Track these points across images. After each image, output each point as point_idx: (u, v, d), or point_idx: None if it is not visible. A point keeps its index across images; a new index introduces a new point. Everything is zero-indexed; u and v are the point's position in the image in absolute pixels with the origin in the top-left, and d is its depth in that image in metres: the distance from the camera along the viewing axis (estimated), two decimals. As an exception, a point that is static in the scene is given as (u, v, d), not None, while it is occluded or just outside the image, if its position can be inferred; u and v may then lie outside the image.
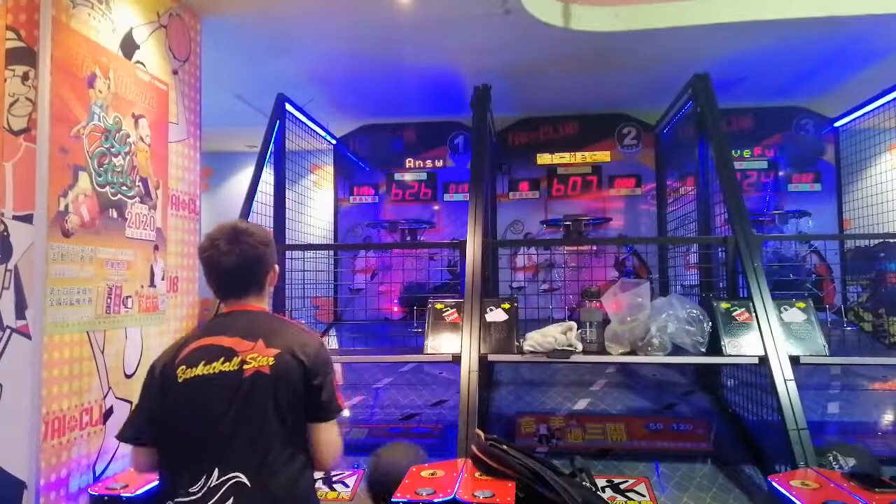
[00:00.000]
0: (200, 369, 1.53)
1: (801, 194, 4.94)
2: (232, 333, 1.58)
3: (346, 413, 1.70)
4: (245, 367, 1.52)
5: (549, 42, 3.62)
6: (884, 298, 3.85)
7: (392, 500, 1.93)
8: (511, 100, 4.78)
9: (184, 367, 1.55)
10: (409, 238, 5.04)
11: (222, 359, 1.53)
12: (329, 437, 1.62)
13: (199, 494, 1.46)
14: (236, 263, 1.62)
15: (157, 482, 2.04)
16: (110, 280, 2.47)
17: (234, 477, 1.46)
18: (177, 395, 1.54)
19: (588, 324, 2.86)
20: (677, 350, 2.76)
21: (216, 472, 1.47)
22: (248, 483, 1.46)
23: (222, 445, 1.49)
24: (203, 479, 1.47)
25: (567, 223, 4.78)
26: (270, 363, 1.52)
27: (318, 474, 1.69)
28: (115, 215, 2.51)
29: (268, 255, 1.70)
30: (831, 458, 2.43)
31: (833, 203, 4.86)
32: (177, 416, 1.54)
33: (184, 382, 1.53)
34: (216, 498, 1.45)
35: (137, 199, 2.66)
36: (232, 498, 1.45)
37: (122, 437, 1.62)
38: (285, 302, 3.78)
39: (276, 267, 1.76)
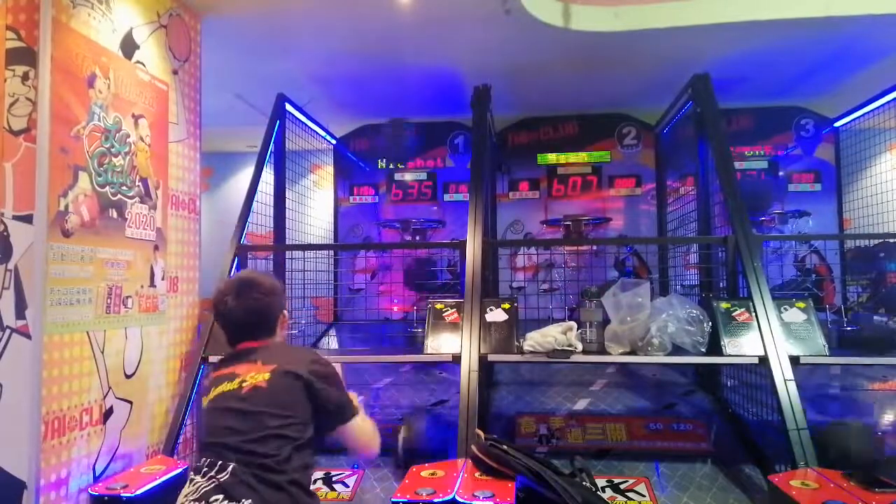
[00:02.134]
0: (213, 394, 1.76)
1: (801, 194, 4.92)
2: (237, 363, 1.78)
3: (360, 409, 1.87)
4: (244, 384, 1.70)
5: (549, 42, 3.62)
6: (884, 298, 3.84)
7: (392, 500, 1.95)
8: (511, 100, 4.78)
9: (205, 398, 1.80)
10: (419, 238, 5.03)
11: (226, 382, 1.74)
12: (353, 433, 1.81)
13: (202, 482, 1.60)
14: (244, 317, 1.81)
15: (156, 482, 2.11)
16: (110, 280, 2.47)
17: (234, 471, 1.58)
18: (203, 418, 1.79)
19: (588, 324, 2.85)
20: (677, 350, 2.76)
21: (219, 465, 1.61)
22: (243, 477, 1.57)
23: (228, 450, 1.62)
24: (207, 471, 1.62)
25: (567, 223, 4.78)
26: (266, 377, 1.70)
27: (317, 474, 1.76)
28: (115, 215, 2.51)
29: (274, 304, 1.87)
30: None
31: (833, 203, 4.85)
32: (201, 433, 1.82)
33: (205, 409, 1.78)
34: (213, 485, 1.57)
35: (137, 199, 2.66)
36: (232, 485, 1.57)
37: None
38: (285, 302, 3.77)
39: (286, 312, 1.93)
